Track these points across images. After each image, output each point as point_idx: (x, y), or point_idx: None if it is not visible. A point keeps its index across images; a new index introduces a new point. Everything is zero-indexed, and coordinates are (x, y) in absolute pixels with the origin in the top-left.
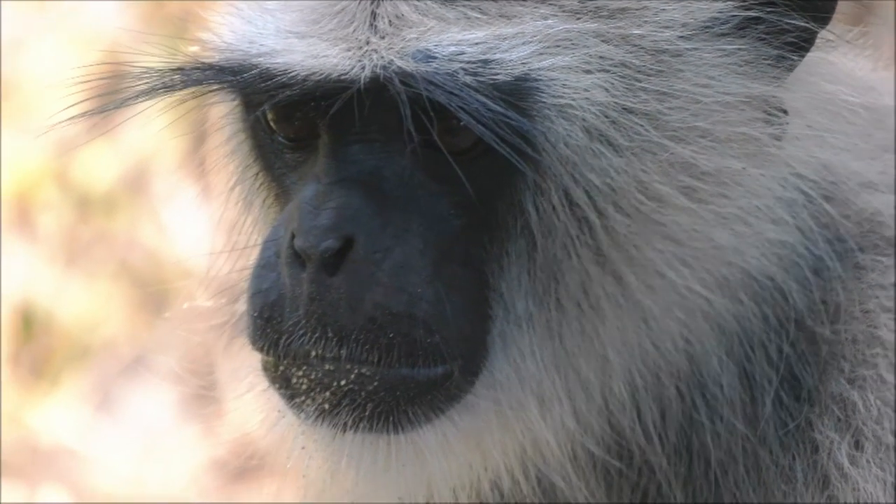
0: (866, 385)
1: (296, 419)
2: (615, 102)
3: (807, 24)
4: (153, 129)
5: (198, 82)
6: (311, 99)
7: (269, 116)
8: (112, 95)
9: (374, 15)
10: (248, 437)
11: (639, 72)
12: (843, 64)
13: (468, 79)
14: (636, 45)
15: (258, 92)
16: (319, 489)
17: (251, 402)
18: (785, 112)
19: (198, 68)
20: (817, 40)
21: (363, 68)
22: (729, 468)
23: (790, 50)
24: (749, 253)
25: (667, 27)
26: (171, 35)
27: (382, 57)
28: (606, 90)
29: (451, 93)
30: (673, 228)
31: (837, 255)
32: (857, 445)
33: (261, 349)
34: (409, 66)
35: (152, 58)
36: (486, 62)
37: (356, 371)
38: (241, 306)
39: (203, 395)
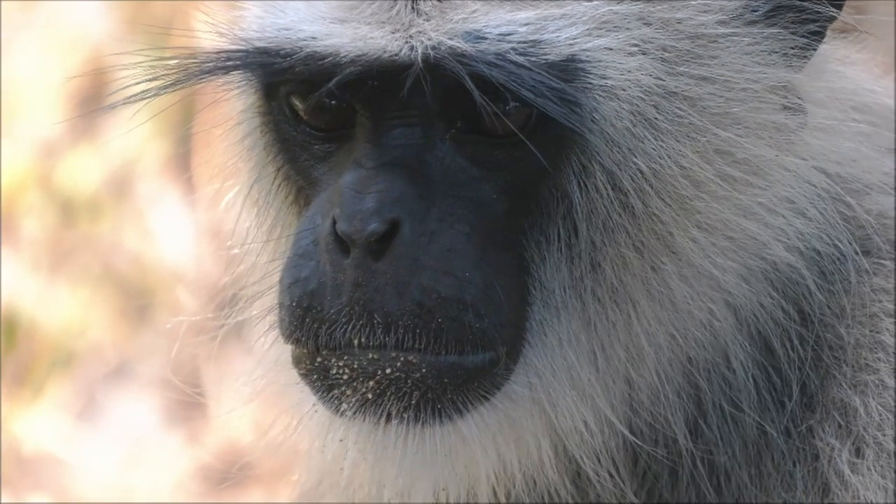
0: (868, 390)
1: (332, 412)
2: (658, 85)
3: (825, 10)
4: (137, 133)
5: (238, 67)
6: (357, 82)
7: (298, 106)
8: (97, 99)
9: (416, 1)
10: (235, 442)
11: (679, 55)
12: (851, 61)
13: (519, 58)
14: (676, 29)
15: (302, 76)
16: (350, 483)
17: (274, 397)
18: (803, 103)
19: (242, 51)
20: (828, 35)
21: (412, 49)
22: (733, 472)
23: (813, 39)
24: (776, 245)
25: (705, 12)
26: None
27: (431, 38)
28: (650, 73)
29: (506, 72)
30: (709, 217)
31: (848, 255)
32: (858, 452)
33: (297, 340)
34: (461, 46)
35: (173, 49)
36: (535, 42)
37: (402, 359)
38: (254, 305)
39: (188, 401)
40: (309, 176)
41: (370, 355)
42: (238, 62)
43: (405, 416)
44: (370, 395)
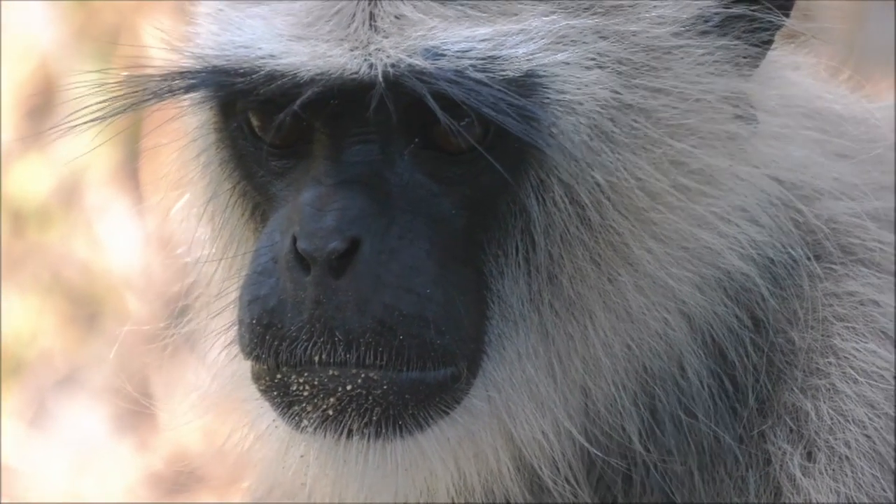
0: (819, 395)
1: (292, 427)
2: (614, 98)
3: (776, 18)
4: (86, 142)
5: (195, 87)
6: (316, 100)
7: (254, 123)
8: (47, 108)
9: (372, 15)
10: (184, 450)
11: (634, 68)
12: (799, 66)
13: (478, 75)
14: (632, 42)
15: (260, 95)
16: (310, 496)
17: (231, 411)
18: (755, 111)
19: (200, 70)
20: (777, 42)
21: (371, 67)
22: (686, 478)
23: (763, 47)
24: (729, 254)
25: (660, 24)
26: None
27: (389, 56)
28: (606, 86)
29: (465, 88)
30: (664, 228)
31: (800, 261)
32: (810, 456)
33: (258, 357)
34: (420, 63)
35: (131, 68)
36: (493, 58)
37: (363, 375)
38: (208, 319)
39: (138, 408)
40: (266, 192)
41: (331, 372)
42: (196, 81)
43: (366, 431)
44: (331, 412)
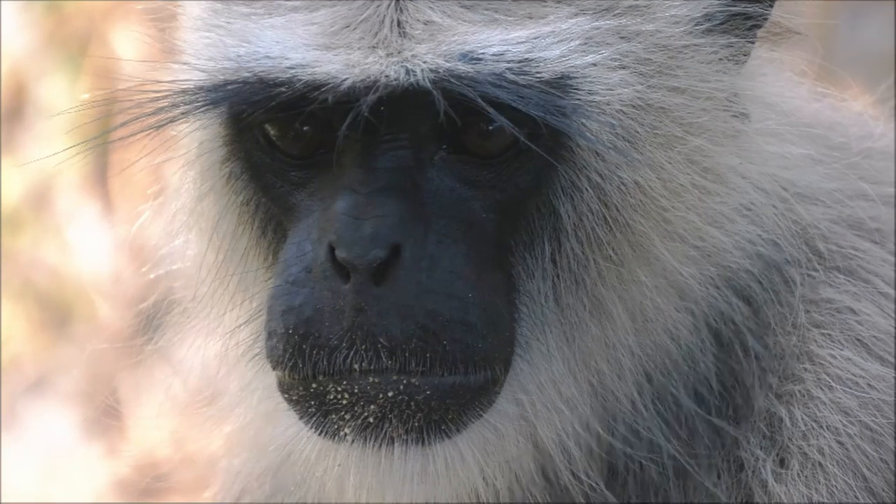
0: (794, 400)
1: (328, 437)
2: (637, 98)
3: (763, 9)
4: (56, 147)
5: (224, 100)
6: (347, 109)
7: (272, 134)
8: (17, 114)
9: (400, 22)
10: (153, 455)
11: (653, 68)
12: (776, 63)
13: (516, 77)
14: (649, 42)
15: (291, 106)
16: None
17: (257, 424)
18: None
19: (231, 84)
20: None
21: (409, 73)
22: (661, 486)
23: (752, 43)
24: (734, 252)
25: (674, 23)
26: (75, 53)
27: (427, 61)
28: (630, 86)
29: (507, 91)
30: (680, 226)
31: (781, 265)
32: (783, 463)
33: (293, 367)
34: (461, 67)
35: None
36: (528, 61)
37: (405, 381)
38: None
39: (107, 413)
40: (285, 203)
41: (371, 379)
42: (225, 95)
43: (407, 437)
44: (372, 419)
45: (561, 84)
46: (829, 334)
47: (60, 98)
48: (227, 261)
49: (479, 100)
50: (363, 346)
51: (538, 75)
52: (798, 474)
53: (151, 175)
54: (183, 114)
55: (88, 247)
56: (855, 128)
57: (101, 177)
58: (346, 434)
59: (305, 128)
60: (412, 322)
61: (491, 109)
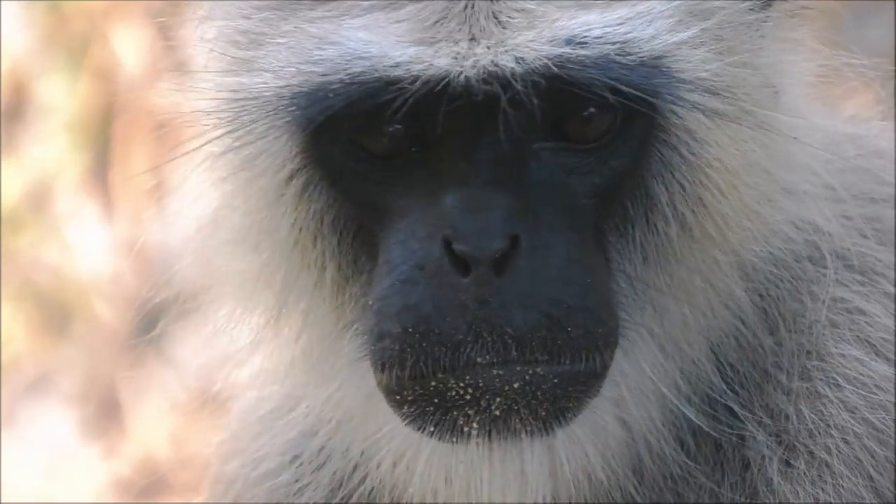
0: (801, 398)
1: (450, 434)
2: (717, 75)
3: None
4: (56, 147)
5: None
6: (453, 102)
7: (358, 136)
8: (17, 113)
9: (494, 13)
10: (152, 455)
11: (725, 44)
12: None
13: (620, 58)
14: (720, 19)
15: (396, 105)
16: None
17: (357, 427)
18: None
19: (318, 90)
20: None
21: (518, 62)
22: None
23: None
24: (788, 229)
25: (737, 0)
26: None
27: (535, 49)
28: (710, 63)
29: (613, 74)
30: (749, 205)
31: (799, 260)
32: (789, 461)
33: (413, 366)
34: (570, 52)
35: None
36: (628, 41)
37: (530, 371)
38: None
39: (106, 413)
40: (374, 205)
41: (494, 372)
42: (316, 100)
43: (533, 428)
44: (497, 412)
45: (656, 63)
46: (840, 333)
47: (61, 98)
48: (297, 270)
49: (594, 83)
50: (489, 339)
51: (639, 55)
52: (804, 473)
53: (153, 175)
54: (262, 123)
55: (88, 247)
56: (857, 126)
57: (101, 176)
58: (470, 430)
59: (393, 127)
60: (536, 311)
61: (607, 93)
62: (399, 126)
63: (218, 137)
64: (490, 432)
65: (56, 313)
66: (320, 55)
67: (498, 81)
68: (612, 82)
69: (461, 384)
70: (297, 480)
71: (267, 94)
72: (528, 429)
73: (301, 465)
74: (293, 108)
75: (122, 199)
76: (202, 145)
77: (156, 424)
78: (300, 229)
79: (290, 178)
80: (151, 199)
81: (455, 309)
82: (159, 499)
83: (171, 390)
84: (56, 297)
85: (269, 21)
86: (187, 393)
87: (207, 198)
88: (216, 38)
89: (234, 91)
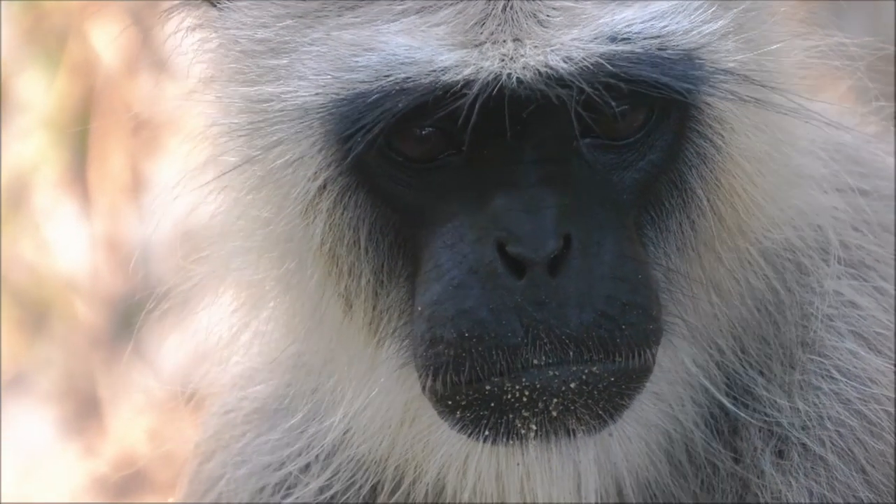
0: (795, 390)
1: (506, 436)
2: (744, 64)
3: None
4: (34, 143)
5: (356, 113)
6: (497, 105)
7: (396, 141)
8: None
9: (533, 12)
10: (131, 453)
11: (747, 34)
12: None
13: (662, 53)
14: (741, 10)
15: (433, 109)
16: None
17: (413, 435)
18: None
19: (357, 98)
20: None
21: (567, 61)
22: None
23: None
24: (806, 214)
25: None
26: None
27: (580, 48)
28: (738, 52)
29: (658, 69)
30: (773, 192)
31: (800, 250)
32: (782, 453)
33: (471, 370)
34: (616, 49)
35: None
36: (666, 35)
37: (586, 371)
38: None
39: (85, 411)
40: (415, 211)
41: (550, 373)
42: (359, 107)
43: (590, 426)
44: (555, 413)
45: (694, 55)
46: (835, 326)
47: (38, 94)
48: (327, 278)
49: (642, 79)
50: (547, 340)
51: (678, 49)
52: (798, 466)
53: (131, 173)
54: (293, 132)
55: (66, 244)
56: (845, 114)
57: (79, 173)
58: (528, 432)
59: (428, 130)
60: (591, 310)
61: (650, 88)
62: (433, 129)
63: (236, 147)
64: (548, 433)
65: (34, 311)
66: (358, 62)
67: (555, 82)
68: (660, 76)
69: (517, 387)
70: (284, 480)
71: (298, 102)
72: (584, 428)
73: (289, 464)
74: (331, 116)
75: (100, 196)
76: (215, 154)
77: (134, 422)
78: (334, 237)
79: (324, 186)
80: (129, 196)
81: (511, 311)
82: (138, 497)
83: (149, 388)
84: (34, 295)
85: (292, 29)
86: (165, 391)
87: (213, 204)
88: (225, 47)
89: (256, 101)
